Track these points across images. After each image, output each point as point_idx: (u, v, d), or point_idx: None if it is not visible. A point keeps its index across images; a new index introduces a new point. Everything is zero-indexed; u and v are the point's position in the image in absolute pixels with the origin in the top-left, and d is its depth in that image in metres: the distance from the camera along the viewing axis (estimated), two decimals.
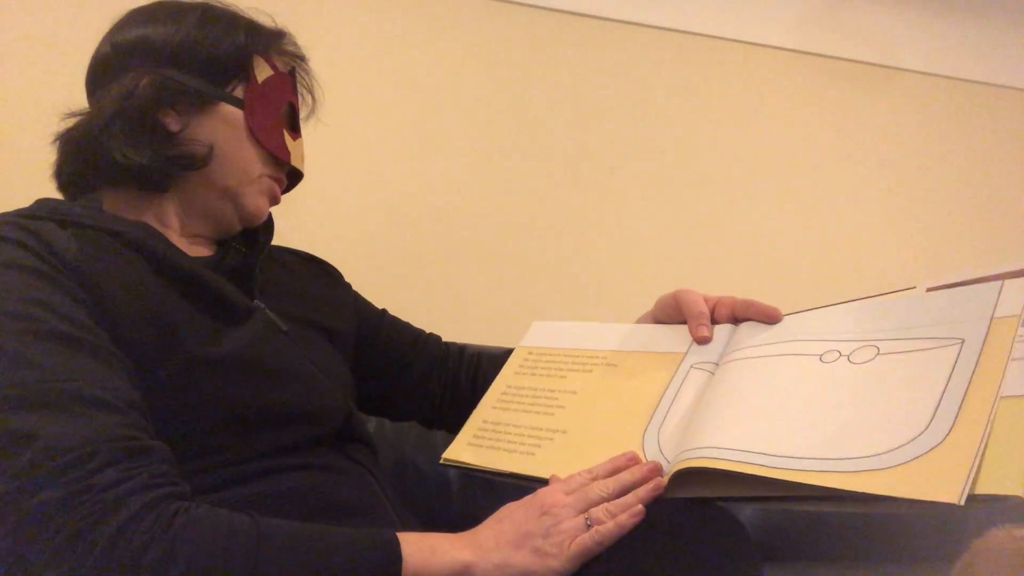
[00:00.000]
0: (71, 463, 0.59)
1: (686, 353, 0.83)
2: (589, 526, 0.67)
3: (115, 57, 0.84)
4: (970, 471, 0.53)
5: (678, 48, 1.73)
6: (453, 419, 1.02)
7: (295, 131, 0.93)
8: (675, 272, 1.68)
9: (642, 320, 0.94)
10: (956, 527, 1.20)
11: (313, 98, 0.97)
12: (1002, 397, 0.57)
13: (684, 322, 0.86)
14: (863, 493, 0.57)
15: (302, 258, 1.02)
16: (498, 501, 0.76)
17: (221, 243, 0.91)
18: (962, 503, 0.52)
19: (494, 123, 1.62)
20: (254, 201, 0.88)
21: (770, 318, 0.80)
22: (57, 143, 0.85)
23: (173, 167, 0.82)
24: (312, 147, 0.97)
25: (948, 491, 0.53)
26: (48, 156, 0.86)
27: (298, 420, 0.80)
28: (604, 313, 0.98)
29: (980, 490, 0.54)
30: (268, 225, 0.94)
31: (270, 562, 0.61)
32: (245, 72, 0.86)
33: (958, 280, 0.70)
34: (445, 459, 0.89)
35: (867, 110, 1.83)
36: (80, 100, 0.86)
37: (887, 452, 0.58)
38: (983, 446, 0.55)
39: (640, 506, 0.67)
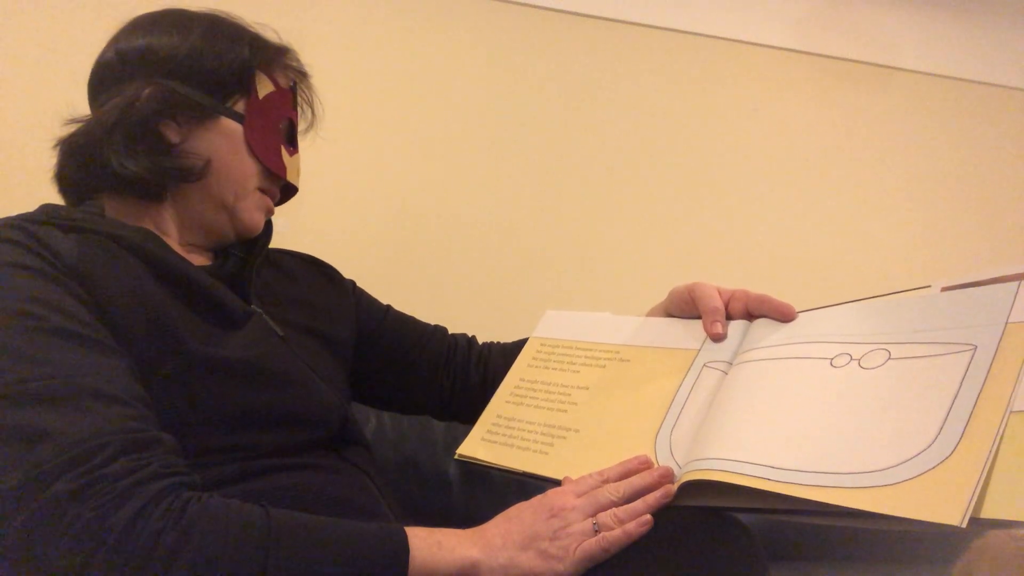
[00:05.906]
0: (82, 456, 0.60)
1: (699, 350, 0.82)
2: (597, 531, 0.67)
3: (119, 65, 0.84)
4: (973, 492, 0.52)
5: (678, 48, 1.73)
6: (465, 412, 1.02)
7: (292, 146, 0.93)
8: (674, 271, 1.68)
9: (654, 312, 0.93)
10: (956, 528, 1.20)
11: (313, 113, 0.98)
12: (1012, 412, 0.56)
13: (698, 316, 0.85)
14: (865, 511, 0.56)
15: (302, 260, 1.02)
16: (498, 501, 0.76)
17: (220, 250, 0.91)
18: (964, 525, 0.51)
19: (495, 121, 1.62)
20: (250, 215, 0.89)
21: (784, 316, 0.79)
22: (58, 148, 0.84)
23: (170, 178, 0.83)
24: (319, 146, 0.97)
25: (950, 512, 0.52)
26: (51, 161, 0.86)
27: (294, 423, 0.80)
28: (606, 309, 0.98)
29: (986, 514, 0.53)
30: (266, 230, 0.94)
31: (281, 550, 0.62)
32: (247, 87, 0.86)
33: (974, 280, 0.68)
34: (460, 454, 0.88)
35: (867, 110, 1.83)
36: (80, 105, 0.86)
37: (891, 468, 0.57)
38: (988, 466, 0.53)
39: (648, 516, 0.67)
